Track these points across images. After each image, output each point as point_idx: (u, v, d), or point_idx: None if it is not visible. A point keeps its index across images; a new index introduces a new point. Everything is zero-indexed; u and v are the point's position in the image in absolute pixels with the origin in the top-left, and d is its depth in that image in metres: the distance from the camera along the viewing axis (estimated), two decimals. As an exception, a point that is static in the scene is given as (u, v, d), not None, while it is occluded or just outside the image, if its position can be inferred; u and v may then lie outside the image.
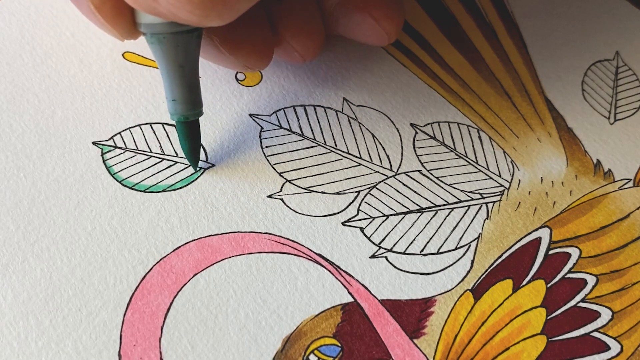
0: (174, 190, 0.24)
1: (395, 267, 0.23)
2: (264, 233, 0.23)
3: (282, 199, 0.24)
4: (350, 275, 0.23)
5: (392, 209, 0.24)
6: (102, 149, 0.24)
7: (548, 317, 0.22)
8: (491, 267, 0.23)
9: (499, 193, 0.25)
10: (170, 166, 0.24)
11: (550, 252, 0.24)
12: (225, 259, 0.22)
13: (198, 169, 0.24)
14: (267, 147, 0.25)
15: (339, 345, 0.21)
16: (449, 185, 0.25)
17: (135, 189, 0.24)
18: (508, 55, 0.30)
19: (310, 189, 0.24)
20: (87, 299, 0.21)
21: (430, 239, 0.24)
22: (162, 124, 0.25)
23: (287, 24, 0.24)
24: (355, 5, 0.25)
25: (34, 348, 0.20)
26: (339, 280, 0.22)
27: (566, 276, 0.23)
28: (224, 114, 0.26)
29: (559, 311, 0.23)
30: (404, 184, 0.25)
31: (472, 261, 0.23)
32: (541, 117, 0.28)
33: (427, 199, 0.25)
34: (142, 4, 0.19)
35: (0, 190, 0.23)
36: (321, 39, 0.25)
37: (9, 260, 0.22)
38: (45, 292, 0.21)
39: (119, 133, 0.25)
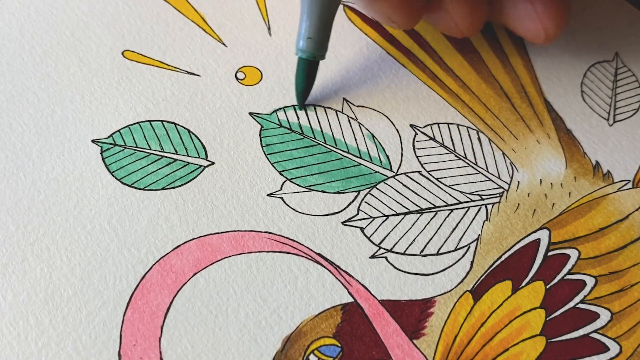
0: (174, 188, 0.24)
1: (395, 267, 0.23)
2: (264, 232, 0.23)
3: (282, 198, 0.24)
4: (350, 275, 0.23)
5: (392, 210, 0.24)
6: (101, 147, 0.24)
7: (547, 318, 0.22)
8: (490, 269, 0.23)
9: (498, 194, 0.25)
10: (169, 164, 0.24)
11: (550, 253, 0.24)
12: (225, 258, 0.22)
13: (198, 166, 0.24)
14: (267, 145, 0.25)
15: (339, 345, 0.21)
16: (449, 186, 0.25)
17: (134, 187, 0.24)
18: (507, 57, 0.30)
19: (311, 187, 0.24)
20: (86, 299, 0.21)
21: (430, 239, 0.24)
22: (162, 121, 0.25)
23: None
24: None
25: (34, 348, 0.20)
26: (339, 280, 0.22)
27: (565, 277, 0.23)
28: (223, 112, 0.26)
29: (558, 312, 0.23)
30: (404, 185, 0.25)
31: (472, 262, 0.23)
32: (540, 119, 0.28)
33: (426, 200, 0.25)
34: None
35: (0, 190, 0.23)
36: (483, 15, 0.25)
37: (8, 260, 0.21)
38: (45, 291, 0.21)
39: (119, 131, 0.25)
